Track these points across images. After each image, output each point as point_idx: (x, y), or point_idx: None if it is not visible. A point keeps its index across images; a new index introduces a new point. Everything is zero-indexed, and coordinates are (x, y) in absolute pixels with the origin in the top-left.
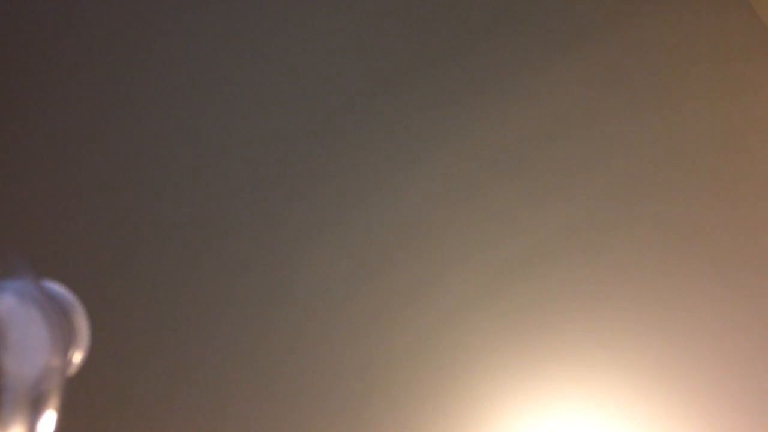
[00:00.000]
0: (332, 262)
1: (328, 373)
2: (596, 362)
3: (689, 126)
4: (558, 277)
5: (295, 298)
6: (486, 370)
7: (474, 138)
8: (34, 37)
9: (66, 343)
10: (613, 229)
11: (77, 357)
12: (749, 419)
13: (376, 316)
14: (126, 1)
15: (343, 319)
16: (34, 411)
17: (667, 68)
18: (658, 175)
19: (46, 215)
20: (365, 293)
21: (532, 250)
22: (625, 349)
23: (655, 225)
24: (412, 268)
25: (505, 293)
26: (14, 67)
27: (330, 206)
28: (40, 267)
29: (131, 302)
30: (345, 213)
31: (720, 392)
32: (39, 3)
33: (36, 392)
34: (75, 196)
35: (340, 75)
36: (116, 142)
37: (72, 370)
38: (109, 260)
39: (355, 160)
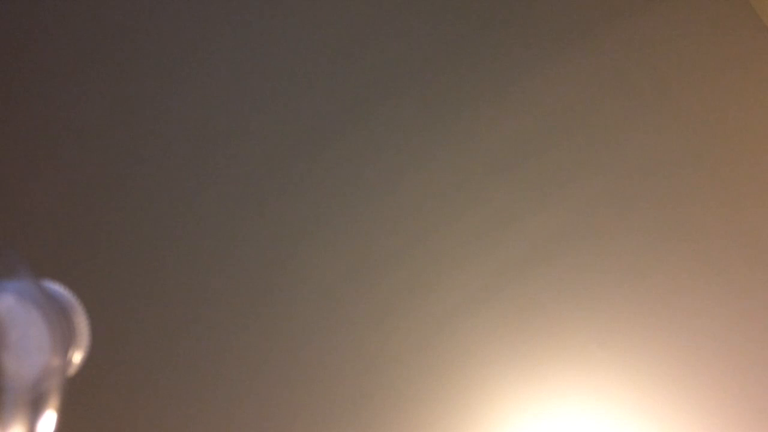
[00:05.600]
0: (334, 263)
1: (328, 372)
2: (596, 362)
3: (689, 126)
4: (558, 277)
5: (296, 298)
6: (486, 370)
7: (474, 139)
8: (35, 37)
9: (66, 343)
10: (613, 230)
11: (77, 357)
12: (749, 418)
13: (376, 316)
14: (130, 1)
15: (343, 319)
16: (34, 411)
17: (667, 69)
18: (658, 175)
19: (46, 215)
20: (365, 293)
21: (532, 251)
22: (625, 348)
23: (654, 225)
24: (414, 268)
25: (505, 293)
26: (14, 67)
27: (330, 207)
28: (40, 267)
29: (131, 302)
30: (345, 214)
31: (719, 391)
32: (39, 2)
33: (36, 392)
34: (75, 196)
35: (340, 77)
36: (117, 142)
37: (72, 370)
38: (109, 260)
39: (356, 161)
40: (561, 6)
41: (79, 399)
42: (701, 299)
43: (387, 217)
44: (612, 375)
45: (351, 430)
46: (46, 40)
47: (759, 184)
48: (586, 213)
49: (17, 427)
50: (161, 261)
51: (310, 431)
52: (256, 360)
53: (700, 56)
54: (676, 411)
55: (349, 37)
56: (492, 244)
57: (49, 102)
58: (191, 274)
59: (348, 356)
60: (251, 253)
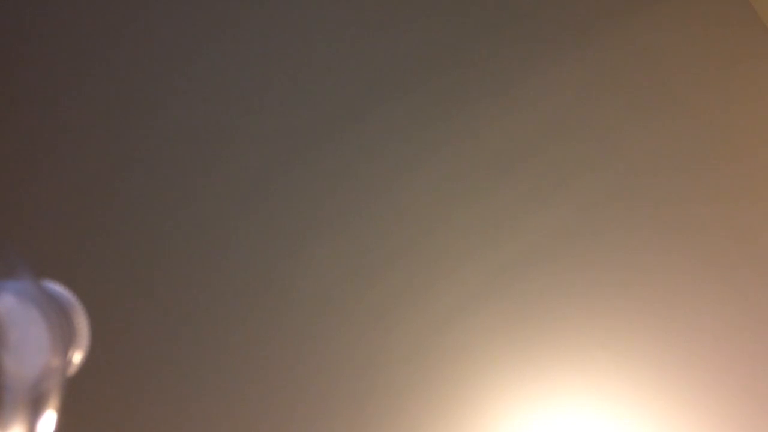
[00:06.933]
0: (333, 263)
1: (328, 373)
2: (596, 362)
3: (688, 127)
4: (558, 277)
5: (296, 298)
6: (486, 370)
7: (474, 139)
8: (34, 35)
9: (66, 343)
10: (613, 230)
11: (77, 357)
12: (749, 418)
13: (376, 316)
14: (132, 2)
15: (343, 319)
16: (34, 411)
17: (667, 69)
18: (658, 175)
19: (46, 215)
20: (366, 293)
21: (532, 251)
22: (625, 349)
23: (654, 225)
24: (412, 268)
25: (505, 293)
26: (14, 66)
27: (330, 207)
28: (40, 267)
29: (131, 302)
30: (345, 214)
31: (719, 391)
32: (40, 2)
33: (36, 392)
34: (75, 196)
35: (341, 77)
36: (117, 142)
37: (72, 370)
38: (109, 260)
39: (355, 161)
40: (560, 5)
41: (79, 399)
42: (703, 298)
43: (386, 216)
44: (612, 374)
45: (349, 429)
46: (46, 39)
47: (760, 183)
48: (586, 212)
49: (17, 427)
50: (161, 261)
51: (309, 430)
52: (255, 359)
53: (700, 56)
54: (677, 411)
55: (347, 37)
56: (492, 243)
57: (49, 102)
58: (191, 273)
59: (347, 355)
60: (249, 253)
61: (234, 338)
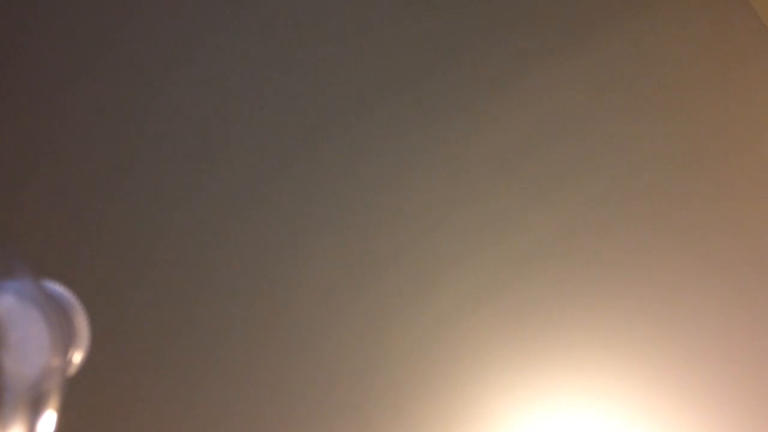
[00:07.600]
0: (333, 263)
1: (328, 372)
2: (596, 362)
3: (688, 126)
4: (558, 277)
5: (295, 298)
6: (486, 370)
7: (474, 139)
8: (34, 35)
9: (66, 343)
10: (613, 230)
11: (77, 357)
12: (749, 418)
13: (376, 316)
14: (129, 1)
15: (343, 319)
16: (34, 411)
17: (666, 69)
18: (658, 175)
19: (46, 215)
20: (365, 293)
21: (532, 250)
22: (626, 349)
23: (654, 225)
24: (412, 268)
25: (505, 293)
26: (14, 66)
27: (330, 207)
28: (40, 267)
29: (131, 302)
30: (345, 214)
31: (719, 391)
32: (40, 3)
33: (36, 392)
34: (75, 196)
35: (341, 77)
36: (117, 141)
37: (72, 370)
38: (109, 260)
39: (355, 162)
40: (561, 5)
41: (79, 399)
42: (704, 298)
43: (386, 216)
44: (612, 374)
45: (349, 428)
46: (46, 38)
47: (760, 182)
48: (587, 211)
49: (17, 427)
50: (161, 260)
51: (308, 430)
52: (255, 359)
53: (700, 56)
54: (677, 410)
55: (346, 36)
56: (491, 243)
57: (48, 101)
58: (190, 273)
59: (346, 356)
60: (249, 253)
61: (234, 338)
